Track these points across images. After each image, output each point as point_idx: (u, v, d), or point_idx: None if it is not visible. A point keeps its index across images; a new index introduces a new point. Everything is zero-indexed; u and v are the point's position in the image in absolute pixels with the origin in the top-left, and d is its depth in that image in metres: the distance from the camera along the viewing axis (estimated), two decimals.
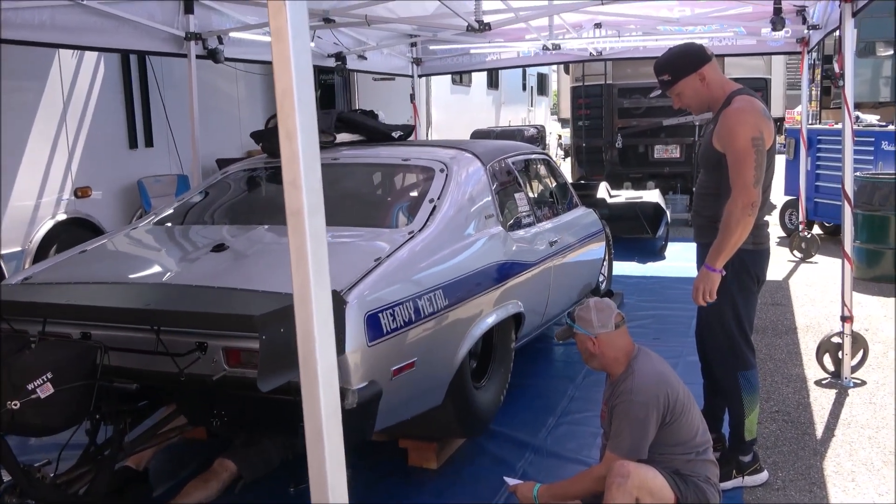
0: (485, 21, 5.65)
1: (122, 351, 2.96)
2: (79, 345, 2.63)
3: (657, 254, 9.09)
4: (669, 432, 2.99)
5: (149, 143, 7.59)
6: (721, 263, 3.31)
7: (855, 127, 9.22)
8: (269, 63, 7.95)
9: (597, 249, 5.80)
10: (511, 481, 3.36)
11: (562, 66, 15.83)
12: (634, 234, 9.06)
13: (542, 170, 5.37)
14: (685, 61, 3.46)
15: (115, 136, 7.30)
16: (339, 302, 2.75)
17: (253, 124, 9.03)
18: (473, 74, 16.85)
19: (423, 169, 4.15)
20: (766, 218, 3.53)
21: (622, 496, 2.75)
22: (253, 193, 4.49)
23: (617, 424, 2.99)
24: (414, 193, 3.99)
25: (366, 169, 4.43)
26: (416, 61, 9.29)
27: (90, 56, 6.91)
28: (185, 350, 2.94)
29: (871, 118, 9.23)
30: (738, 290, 3.44)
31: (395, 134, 4.94)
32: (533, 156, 5.20)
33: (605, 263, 6.34)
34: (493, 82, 19.30)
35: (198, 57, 6.04)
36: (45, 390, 2.43)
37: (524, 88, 22.69)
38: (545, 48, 7.73)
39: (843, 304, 4.87)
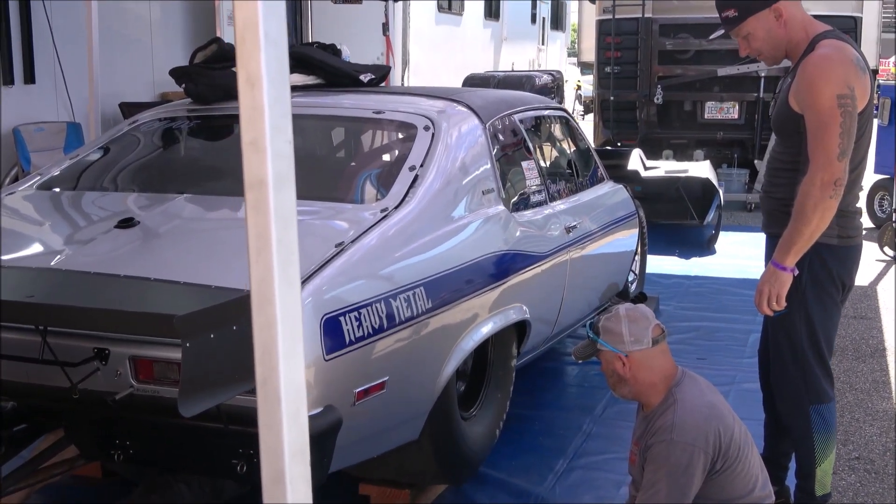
0: None
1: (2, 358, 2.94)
2: None
3: (705, 247, 9.15)
4: (719, 484, 3.02)
5: (29, 78, 7.53)
6: (793, 260, 3.35)
7: None
8: None
9: (627, 239, 5.82)
10: None
11: None
12: (676, 219, 9.11)
13: (559, 131, 5.37)
14: None
15: None
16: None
17: (170, 58, 8.99)
18: (465, 1, 16.82)
19: (401, 125, 4.14)
20: (858, 204, 3.56)
21: None
22: (171, 151, 4.46)
23: (651, 472, 3.02)
24: (389, 158, 3.98)
25: (325, 124, 4.40)
26: None
27: None
28: (79, 358, 2.93)
29: None
30: (815, 298, 3.47)
31: (364, 77, 4.91)
32: (547, 112, 5.20)
33: (636, 258, 6.35)
34: (492, 11, 19.29)
35: None
36: None
37: (533, 21, 22.65)
38: None
39: None
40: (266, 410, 1.28)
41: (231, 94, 4.56)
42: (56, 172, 4.30)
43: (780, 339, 3.56)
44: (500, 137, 4.42)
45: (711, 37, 4.28)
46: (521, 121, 4.78)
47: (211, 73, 4.52)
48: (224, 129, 4.45)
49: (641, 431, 3.18)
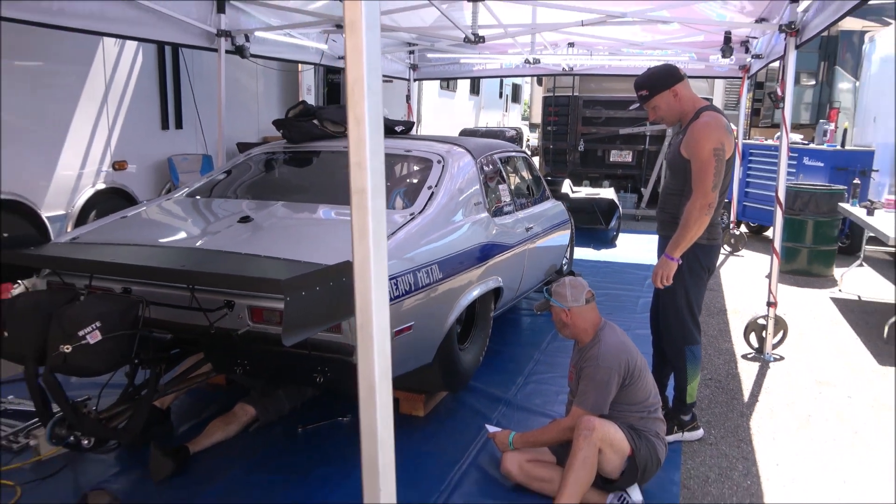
0: (479, 34, 5.55)
1: (159, 305, 2.91)
2: (124, 299, 2.56)
3: (609, 243, 9.11)
4: (627, 393, 3.00)
5: (178, 125, 7.43)
6: (678, 254, 3.31)
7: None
8: (288, 61, 7.90)
9: (563, 236, 5.79)
10: (491, 429, 3.36)
11: (535, 79, 15.74)
12: (591, 224, 9.07)
13: (522, 166, 5.33)
14: (661, 79, 3.44)
15: (150, 118, 7.14)
16: (351, 271, 2.69)
17: (268, 114, 8.89)
18: (459, 82, 16.73)
19: (422, 160, 4.09)
20: (718, 219, 3.53)
21: (588, 446, 2.76)
22: (273, 174, 4.40)
23: (584, 385, 2.99)
24: (415, 181, 3.93)
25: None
26: (413, 67, 9.19)
27: (130, 46, 6.74)
28: (214, 307, 2.89)
29: (796, 137, 9.26)
30: (690, 278, 3.44)
31: (398, 128, 4.87)
32: (514, 153, 5.16)
33: (568, 249, 6.32)
34: (474, 89, 19.18)
35: (227, 52, 5.90)
36: (93, 337, 2.36)
37: (500, 96, 22.54)
38: (527, 61, 7.67)
39: (770, 291, 4.91)
40: (364, 345, 1.24)
41: (313, 137, 4.50)
42: (198, 185, 4.24)
43: (667, 304, 3.52)
44: (486, 169, 4.37)
45: (630, 108, 4.22)
46: (499, 158, 4.73)
47: (300, 124, 4.45)
48: (308, 160, 4.39)
49: (577, 359, 3.14)
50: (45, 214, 5.93)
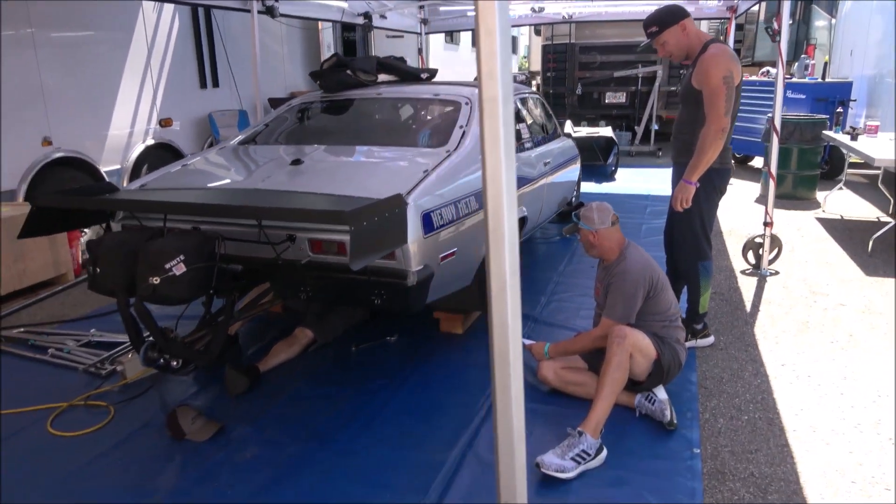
0: None
1: (230, 241, 2.86)
2: (202, 234, 2.51)
3: (609, 177, 8.97)
4: (651, 304, 2.97)
5: (215, 84, 7.26)
6: (696, 177, 3.24)
7: (766, 78, 9.06)
8: (313, 20, 7.65)
9: (574, 170, 5.68)
10: (526, 341, 3.35)
11: (533, 30, 15.29)
12: (591, 161, 8.91)
13: (538, 106, 5.18)
14: (669, 15, 3.30)
15: (189, 78, 6.97)
16: (402, 203, 2.64)
17: (294, 71, 8.70)
18: (462, 36, 16.25)
19: (451, 102, 3.96)
20: (729, 145, 3.42)
21: (621, 352, 2.75)
22: (313, 122, 4.29)
23: (612, 298, 2.96)
24: (447, 121, 3.82)
25: (407, 102, 4.22)
26: (424, 21, 8.89)
27: (167, 12, 6.53)
28: (279, 240, 2.84)
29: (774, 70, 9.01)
30: (705, 200, 3.37)
31: (424, 75, 4.72)
32: (530, 95, 5.02)
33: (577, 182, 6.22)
34: (475, 43, 18.64)
35: (258, 12, 5.70)
36: (178, 269, 2.33)
37: None
38: (532, 10, 7.40)
39: (766, 212, 4.84)
40: (496, 247, 1.18)
41: (347, 86, 4.37)
42: (245, 136, 4.14)
43: (683, 224, 3.46)
44: None
45: (638, 49, 4.03)
46: (519, 99, 4.59)
47: (335, 74, 4.31)
48: (345, 107, 4.27)
49: (603, 276, 3.10)
50: (103, 169, 5.86)
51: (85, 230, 5.66)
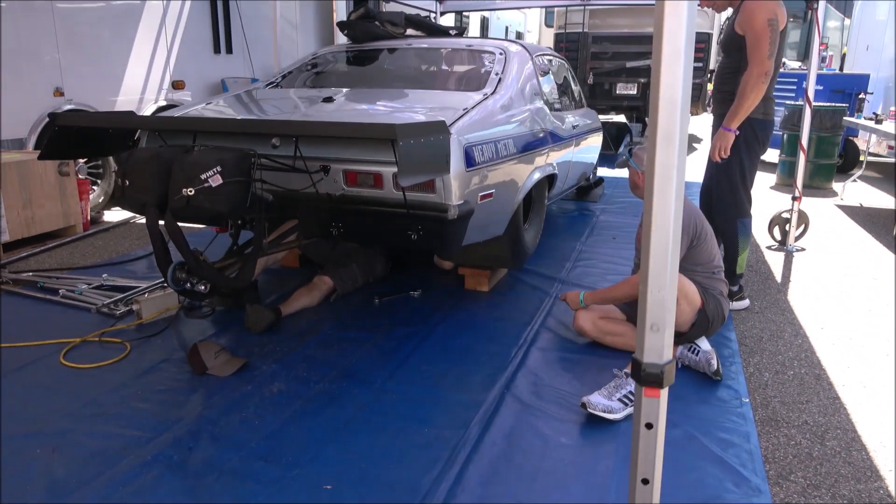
0: None
1: (262, 169, 2.71)
2: (238, 149, 2.36)
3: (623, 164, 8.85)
4: (695, 253, 2.84)
5: (229, 50, 7.09)
6: (736, 124, 3.12)
7: (783, 70, 8.99)
8: None
9: (598, 141, 5.56)
10: (559, 296, 3.23)
11: (543, 21, 15.19)
12: (603, 149, 8.79)
13: (565, 70, 5.07)
14: None
15: (203, 42, 6.81)
16: (446, 131, 2.51)
17: (306, 42, 8.54)
18: (470, 25, 16.13)
19: (486, 52, 3.84)
20: (772, 94, 3.31)
21: None
22: (343, 67, 4.13)
23: None
24: (482, 68, 3.70)
25: (443, 51, 4.07)
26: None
27: None
28: (312, 171, 2.71)
29: (795, 64, 8.95)
30: (746, 152, 3.26)
31: (452, 31, 4.60)
32: (557, 59, 4.90)
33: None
34: (483, 33, 18.52)
35: None
36: (215, 180, 2.19)
37: (505, 35, 21.82)
38: None
39: (795, 185, 4.73)
40: (661, 197, 1.03)
41: (375, 37, 4.24)
42: (271, 80, 3.99)
43: (722, 177, 3.35)
44: (539, 66, 4.12)
45: None
46: (548, 60, 4.47)
47: (364, 24, 4.18)
48: (373, 57, 4.12)
49: None
50: None
51: (94, 187, 5.50)
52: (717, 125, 3.34)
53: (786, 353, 3.04)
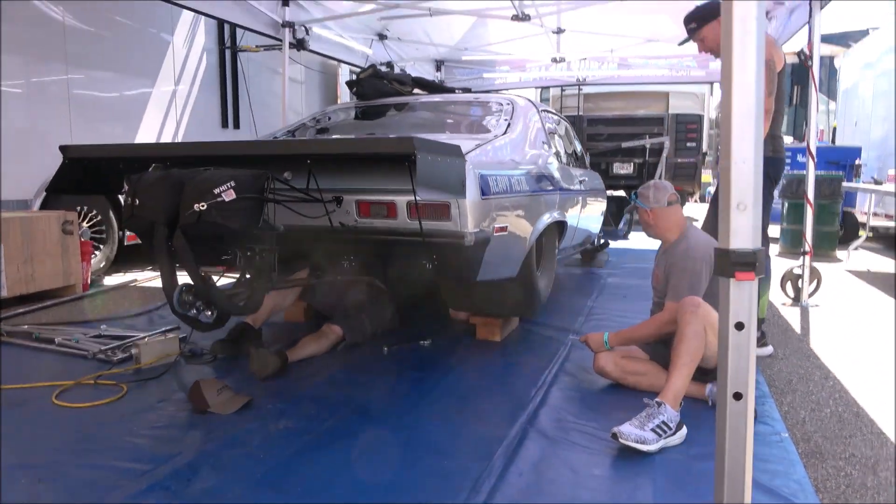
0: (525, 12, 5.41)
1: (274, 202, 2.64)
2: (253, 170, 2.31)
3: (623, 237, 8.87)
4: (717, 286, 2.76)
5: (236, 125, 7.27)
6: None
7: None
8: (338, 60, 7.79)
9: (602, 203, 5.58)
10: (575, 337, 3.10)
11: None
12: (606, 226, 8.85)
13: (568, 129, 5.15)
14: (708, 11, 3.33)
15: (211, 118, 6.99)
16: (461, 155, 2.48)
17: (312, 102, 8.77)
18: None
19: (495, 103, 3.92)
20: (780, 133, 3.34)
21: (696, 321, 2.50)
22: (354, 119, 4.19)
23: (675, 279, 2.75)
24: (492, 117, 3.74)
25: (452, 104, 4.15)
26: (441, 82, 9.09)
27: (196, 50, 6.63)
28: (326, 200, 2.65)
29: (788, 139, 9.21)
30: None
31: (457, 90, 4.71)
32: (561, 118, 4.99)
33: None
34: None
35: (290, 46, 5.78)
36: (228, 195, 2.13)
37: None
38: (553, 59, 7.57)
39: (805, 240, 4.70)
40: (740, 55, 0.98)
41: (383, 94, 4.33)
42: (276, 131, 4.03)
43: None
44: (544, 119, 4.18)
45: (678, 43, 4.00)
46: (552, 116, 4.55)
47: (373, 81, 4.29)
48: (382, 111, 4.20)
49: (663, 260, 2.90)
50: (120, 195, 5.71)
51: (96, 252, 5.44)
52: None
53: (819, 392, 2.89)
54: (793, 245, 7.30)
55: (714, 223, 3.36)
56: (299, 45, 5.81)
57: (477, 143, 3.01)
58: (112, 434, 2.30)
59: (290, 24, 5.64)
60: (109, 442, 2.23)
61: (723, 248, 0.97)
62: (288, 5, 5.55)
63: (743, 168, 0.93)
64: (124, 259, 5.73)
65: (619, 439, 2.21)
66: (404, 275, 2.97)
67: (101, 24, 5.53)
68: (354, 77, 4.46)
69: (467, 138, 3.18)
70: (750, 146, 0.92)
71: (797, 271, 4.77)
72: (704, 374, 2.68)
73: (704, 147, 11.54)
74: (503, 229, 2.90)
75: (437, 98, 4.19)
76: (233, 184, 2.15)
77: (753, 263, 0.91)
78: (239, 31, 6.89)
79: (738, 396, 0.96)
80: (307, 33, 5.83)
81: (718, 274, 0.97)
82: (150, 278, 5.47)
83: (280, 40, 5.69)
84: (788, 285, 4.84)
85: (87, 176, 2.74)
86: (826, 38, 12.73)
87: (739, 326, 0.94)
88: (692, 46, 3.45)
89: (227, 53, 6.95)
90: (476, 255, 2.64)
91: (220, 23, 6.58)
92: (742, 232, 0.92)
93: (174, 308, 2.27)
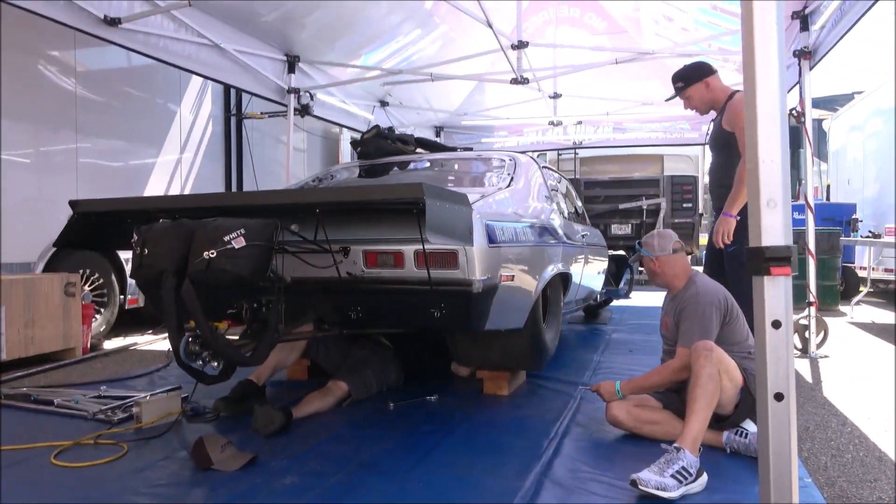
0: (524, 76, 5.58)
1: (282, 252, 2.63)
2: (262, 219, 2.32)
3: (625, 296, 8.85)
4: (728, 332, 2.73)
5: (240, 189, 7.38)
6: (737, 209, 3.17)
7: None
8: (341, 126, 7.98)
9: (605, 260, 5.59)
10: (585, 387, 3.04)
11: None
12: (606, 286, 8.84)
13: (570, 186, 5.22)
14: (694, 72, 3.47)
15: (215, 182, 7.10)
16: (468, 202, 2.50)
17: (314, 166, 8.90)
18: None
19: (497, 159, 3.98)
20: None
21: (710, 364, 2.46)
22: (353, 178, 4.25)
23: (686, 324, 2.72)
24: (494, 172, 3.80)
25: (452, 161, 4.22)
26: None
27: (202, 117, 6.80)
28: (333, 250, 2.65)
29: None
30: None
31: (459, 149, 4.81)
32: (562, 175, 5.07)
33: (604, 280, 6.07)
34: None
35: (294, 111, 5.93)
36: (238, 242, 2.13)
37: None
38: (550, 122, 7.76)
39: (809, 291, 4.69)
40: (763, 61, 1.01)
41: (386, 153, 4.41)
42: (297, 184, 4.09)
43: (734, 265, 3.31)
44: (546, 175, 4.24)
45: (665, 100, 4.10)
46: (554, 173, 4.63)
47: (376, 140, 4.38)
48: (380, 171, 4.26)
49: (671, 307, 2.88)
50: (123, 257, 5.72)
51: (97, 315, 5.40)
52: (716, 216, 3.37)
53: (837, 439, 2.82)
54: (797, 300, 7.26)
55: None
56: (304, 110, 5.96)
57: (481, 194, 3.05)
58: (113, 492, 2.21)
59: (296, 90, 5.80)
60: (111, 500, 2.15)
61: (755, 245, 0.96)
62: (294, 72, 5.73)
63: (771, 167, 0.94)
64: (124, 323, 5.68)
65: (639, 486, 2.14)
66: (411, 325, 2.94)
67: (110, 94, 5.70)
68: (359, 137, 4.55)
69: (471, 190, 3.22)
70: (776, 146, 0.93)
71: (803, 322, 4.74)
72: (719, 420, 2.62)
73: (700, 208, 11.67)
74: (510, 278, 2.89)
75: (440, 155, 4.27)
76: (243, 231, 2.16)
77: (788, 258, 0.90)
78: (244, 99, 7.08)
79: (779, 397, 0.94)
80: (311, 99, 6.00)
81: (752, 273, 0.96)
82: (150, 342, 5.41)
83: (285, 106, 5.84)
84: (796, 337, 4.79)
85: (96, 230, 2.75)
86: (814, 103, 13.17)
87: (776, 325, 0.92)
88: (686, 110, 3.56)
89: (233, 121, 7.12)
90: (484, 303, 2.62)
91: (227, 90, 6.78)
92: (773, 228, 0.92)
93: (180, 359, 2.23)
